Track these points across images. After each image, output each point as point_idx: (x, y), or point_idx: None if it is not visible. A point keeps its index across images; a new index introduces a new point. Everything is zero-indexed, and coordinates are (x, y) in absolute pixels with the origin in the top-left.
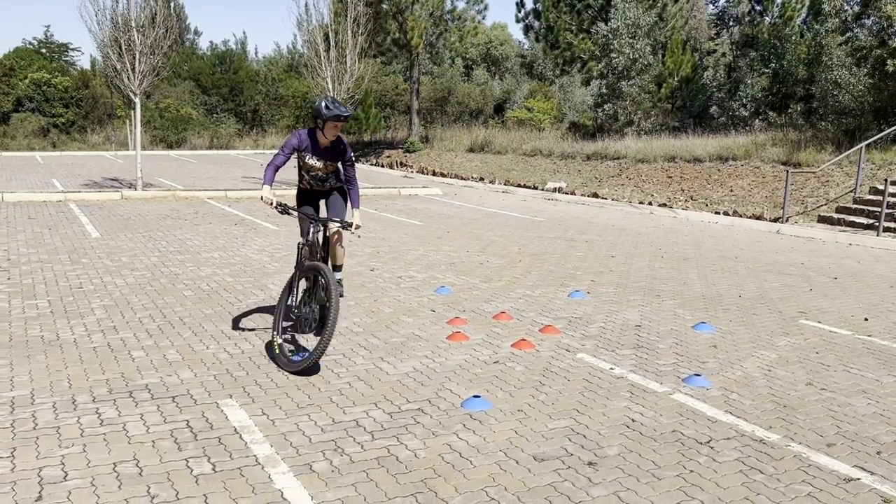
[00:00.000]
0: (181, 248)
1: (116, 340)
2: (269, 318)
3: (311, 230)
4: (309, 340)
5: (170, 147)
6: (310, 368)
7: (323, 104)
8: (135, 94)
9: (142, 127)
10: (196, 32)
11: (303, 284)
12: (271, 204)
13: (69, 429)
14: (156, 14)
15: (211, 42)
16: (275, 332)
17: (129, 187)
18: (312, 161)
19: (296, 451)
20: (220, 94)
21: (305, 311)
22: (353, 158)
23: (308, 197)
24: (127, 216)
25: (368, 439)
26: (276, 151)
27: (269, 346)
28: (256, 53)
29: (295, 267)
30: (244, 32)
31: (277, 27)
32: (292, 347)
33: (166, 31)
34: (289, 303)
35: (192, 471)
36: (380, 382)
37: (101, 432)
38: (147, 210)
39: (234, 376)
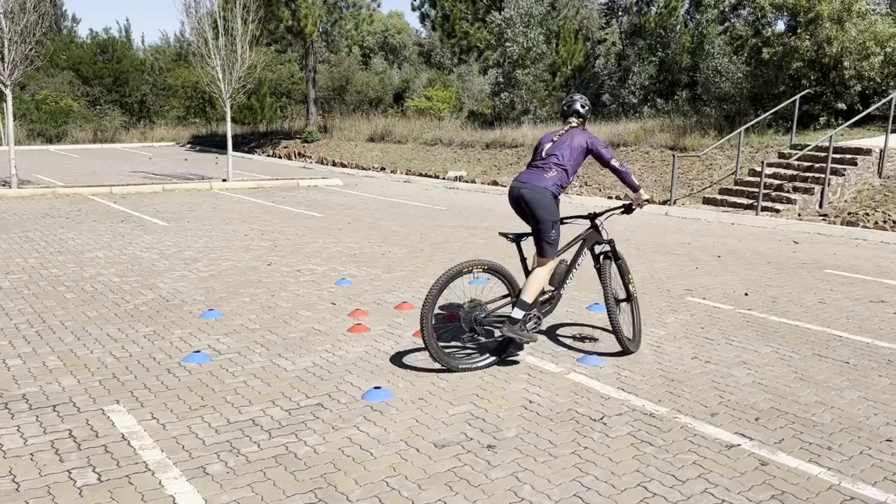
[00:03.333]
0: (62, 248)
1: None
2: None
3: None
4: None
5: (49, 141)
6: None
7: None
8: (5, 86)
9: (16, 120)
10: (74, 19)
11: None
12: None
13: None
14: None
15: (91, 30)
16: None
17: (3, 185)
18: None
19: (188, 454)
20: (103, 85)
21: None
22: None
23: None
24: (0, 216)
25: (266, 438)
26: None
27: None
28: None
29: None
30: (127, 20)
31: (164, 14)
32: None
33: (39, 17)
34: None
35: (75, 482)
36: (277, 379)
37: None
38: (23, 209)
39: (121, 381)
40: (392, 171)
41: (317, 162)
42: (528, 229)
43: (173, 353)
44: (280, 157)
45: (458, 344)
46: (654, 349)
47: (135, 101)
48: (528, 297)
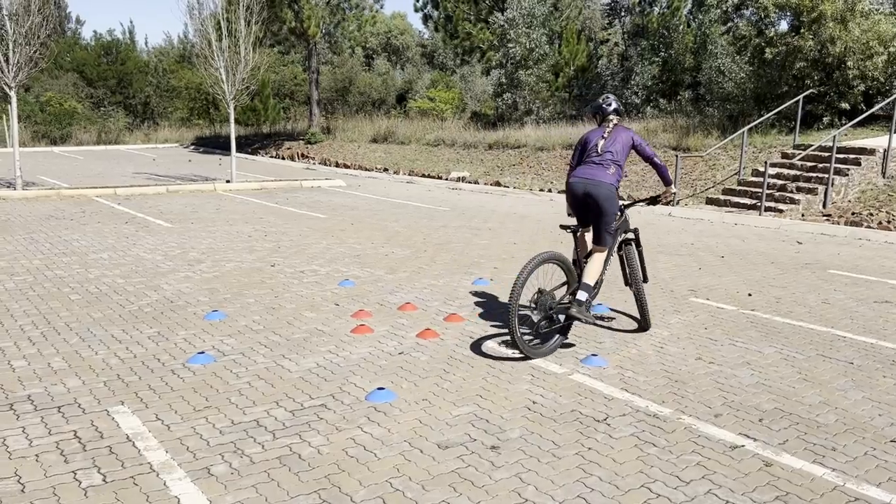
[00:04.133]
0: (67, 249)
1: None
2: None
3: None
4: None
5: (53, 143)
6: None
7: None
8: (10, 87)
9: (20, 122)
10: (78, 21)
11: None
12: None
13: None
14: (31, 1)
15: (95, 31)
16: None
17: (8, 187)
18: None
19: (193, 455)
20: (107, 87)
21: None
22: None
23: None
24: (5, 218)
25: (270, 439)
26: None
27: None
28: (146, 44)
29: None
30: (131, 21)
31: (167, 16)
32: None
33: (44, 19)
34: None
35: (80, 483)
36: (281, 380)
37: None
38: (28, 210)
39: (125, 382)
40: (395, 172)
41: (320, 163)
42: (570, 221)
43: (177, 355)
44: (283, 159)
45: (527, 330)
46: (657, 350)
47: (139, 103)
48: (591, 280)
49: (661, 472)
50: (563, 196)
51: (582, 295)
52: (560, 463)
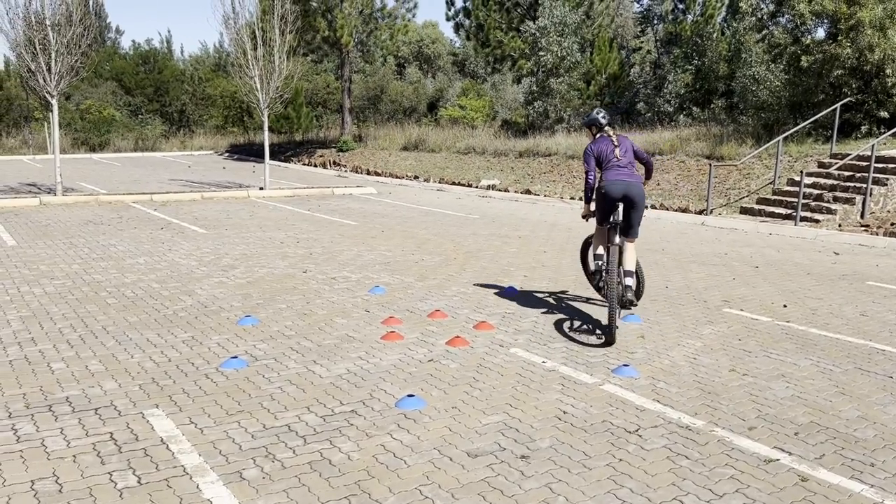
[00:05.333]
0: (104, 254)
1: (34, 352)
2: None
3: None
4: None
5: (92, 150)
6: None
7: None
8: (52, 96)
9: (61, 129)
10: (118, 31)
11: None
12: None
13: None
14: (73, 12)
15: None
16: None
17: (48, 192)
18: None
19: (225, 459)
20: (144, 95)
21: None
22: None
23: None
24: (46, 223)
25: (301, 444)
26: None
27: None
28: (182, 53)
29: None
30: (169, 31)
31: (203, 25)
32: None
33: (85, 29)
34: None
35: (115, 484)
36: (312, 386)
37: (18, 449)
38: (67, 216)
39: (160, 385)
40: (425, 180)
41: (351, 171)
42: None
43: (211, 359)
44: (315, 166)
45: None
46: (690, 361)
47: (175, 111)
48: (633, 266)
49: (694, 484)
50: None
51: (631, 281)
52: (591, 474)
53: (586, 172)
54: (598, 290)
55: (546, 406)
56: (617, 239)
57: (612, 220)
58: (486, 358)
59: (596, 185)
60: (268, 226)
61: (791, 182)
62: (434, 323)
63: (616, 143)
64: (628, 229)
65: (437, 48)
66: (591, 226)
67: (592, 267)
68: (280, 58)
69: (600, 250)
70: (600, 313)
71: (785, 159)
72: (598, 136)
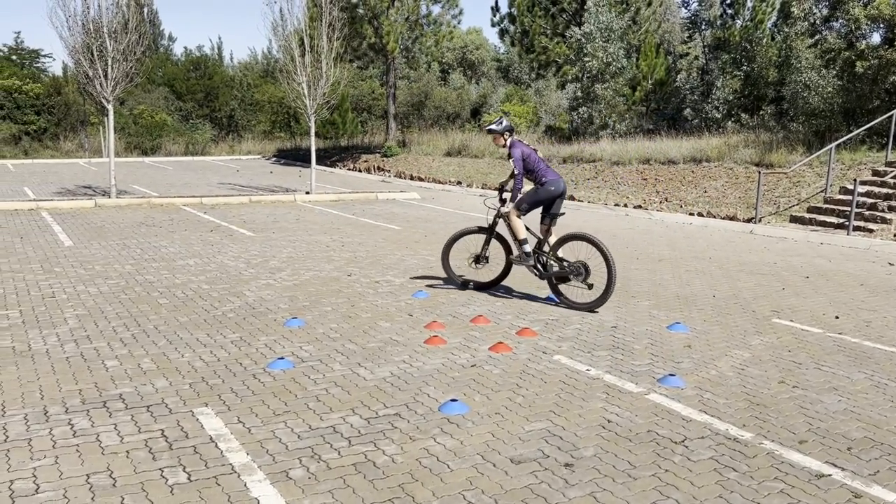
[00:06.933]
0: (156, 255)
1: (90, 350)
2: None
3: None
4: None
5: (144, 154)
6: None
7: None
8: (108, 101)
9: (115, 134)
10: (170, 38)
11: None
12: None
13: (41, 441)
14: (128, 20)
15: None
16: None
17: (103, 195)
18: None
19: (272, 458)
20: (195, 100)
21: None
22: (510, 160)
23: None
24: (100, 224)
25: (345, 445)
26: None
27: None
28: (232, 59)
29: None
30: (219, 38)
31: (253, 32)
32: None
33: (139, 36)
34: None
35: (166, 481)
36: (357, 388)
37: (74, 443)
38: (121, 218)
39: (209, 384)
40: (468, 185)
41: (395, 176)
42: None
43: (258, 359)
44: (360, 171)
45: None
46: (738, 372)
47: (224, 116)
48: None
49: (742, 497)
50: (638, 211)
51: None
52: (636, 484)
53: (518, 174)
54: (537, 269)
55: (590, 414)
56: (548, 226)
57: (552, 211)
58: (530, 364)
59: (533, 184)
60: (314, 229)
61: (844, 190)
62: (477, 328)
63: (533, 148)
64: (554, 218)
65: (480, 54)
66: (452, 228)
67: (529, 248)
68: (327, 64)
69: (531, 237)
70: (648, 322)
71: (837, 167)
72: (511, 140)
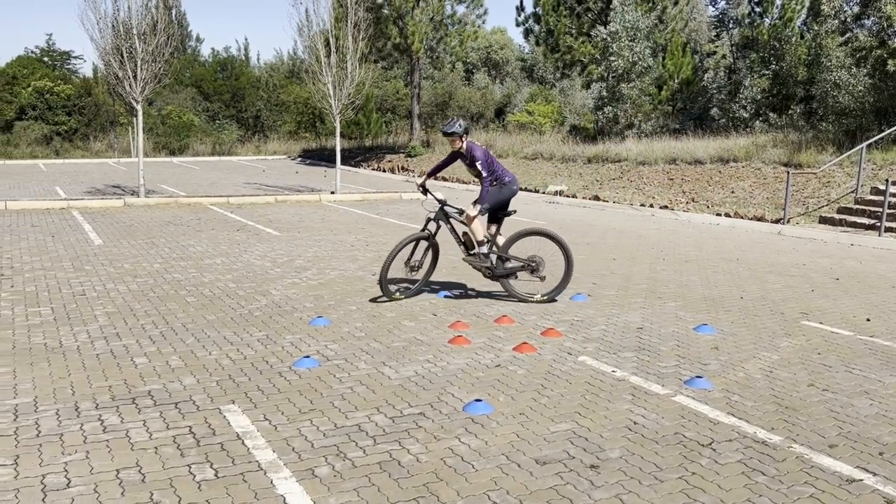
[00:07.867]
0: (183, 254)
1: (119, 347)
2: None
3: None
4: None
5: (172, 154)
6: None
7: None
8: (137, 102)
9: (144, 134)
10: (198, 39)
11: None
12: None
13: (72, 436)
14: (157, 21)
15: (213, 49)
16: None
17: (132, 194)
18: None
19: (298, 456)
20: (221, 101)
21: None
22: (476, 162)
23: None
24: (129, 223)
25: (371, 444)
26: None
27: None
28: (258, 60)
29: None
30: (246, 39)
31: (279, 33)
32: None
33: (168, 38)
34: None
35: (194, 477)
36: (382, 387)
37: (104, 439)
38: (150, 217)
39: (236, 382)
40: None
41: (419, 175)
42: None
43: (284, 358)
44: (384, 171)
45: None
46: (766, 374)
47: (250, 116)
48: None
49: (771, 501)
50: (664, 212)
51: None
52: (662, 486)
53: (486, 177)
54: (489, 269)
55: (616, 416)
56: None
57: (506, 211)
58: (554, 365)
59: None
60: (338, 229)
61: (875, 191)
62: (501, 328)
63: (487, 150)
64: (503, 217)
65: (505, 54)
66: (400, 235)
67: (485, 250)
68: (352, 64)
69: (486, 236)
70: (675, 323)
71: (868, 167)
72: (468, 143)
